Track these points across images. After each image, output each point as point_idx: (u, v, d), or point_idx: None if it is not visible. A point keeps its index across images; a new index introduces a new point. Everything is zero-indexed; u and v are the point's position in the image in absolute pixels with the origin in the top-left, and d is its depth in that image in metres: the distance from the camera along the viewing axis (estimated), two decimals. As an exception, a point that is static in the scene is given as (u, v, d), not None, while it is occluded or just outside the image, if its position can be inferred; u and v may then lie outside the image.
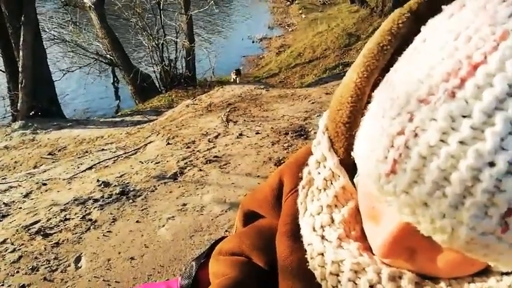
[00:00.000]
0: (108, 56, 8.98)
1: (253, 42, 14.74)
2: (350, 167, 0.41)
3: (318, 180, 0.45)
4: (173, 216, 2.29)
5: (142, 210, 2.41)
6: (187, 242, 2.10)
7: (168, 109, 7.39)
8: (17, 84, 6.05)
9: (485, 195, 0.24)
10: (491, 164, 0.24)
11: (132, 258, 2.03)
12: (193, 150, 3.11)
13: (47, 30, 9.12)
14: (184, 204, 2.39)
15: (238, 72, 9.82)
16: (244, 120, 3.71)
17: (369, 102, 0.35)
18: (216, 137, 3.36)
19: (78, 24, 9.53)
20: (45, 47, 6.88)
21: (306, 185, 0.46)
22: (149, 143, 3.71)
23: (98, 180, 2.82)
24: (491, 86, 0.24)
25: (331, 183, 0.43)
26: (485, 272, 0.33)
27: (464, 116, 0.25)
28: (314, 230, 0.42)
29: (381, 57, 0.37)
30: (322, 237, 0.41)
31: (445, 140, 0.25)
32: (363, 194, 0.36)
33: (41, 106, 6.18)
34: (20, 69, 5.96)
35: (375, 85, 0.37)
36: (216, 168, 2.75)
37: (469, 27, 0.27)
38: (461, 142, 0.25)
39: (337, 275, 0.38)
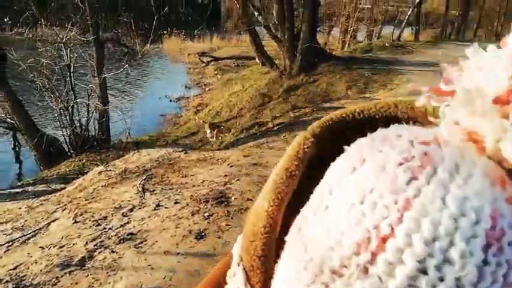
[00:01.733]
0: (9, 120, 8.19)
1: (170, 101, 14.80)
2: None
3: None
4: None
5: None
6: None
7: (77, 175, 6.83)
8: None
9: None
10: None
11: None
12: (105, 228, 2.85)
13: None
14: (93, 297, 2.11)
15: (214, 126, 8.50)
16: (162, 188, 3.57)
17: (281, 231, 0.35)
18: (131, 210, 3.15)
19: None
20: None
21: None
22: (53, 221, 3.32)
23: (-16, 275, 2.39)
24: (402, 263, 0.25)
25: None
26: None
27: None
28: None
29: (290, 182, 0.37)
30: None
31: None
32: None
33: None
34: None
35: (286, 211, 0.37)
36: (130, 248, 2.53)
37: (373, 191, 0.27)
38: None
39: None
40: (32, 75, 8.34)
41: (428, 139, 0.30)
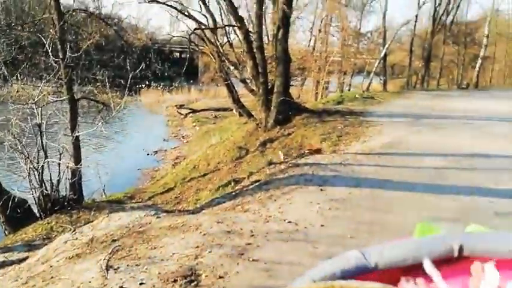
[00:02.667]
0: (-28, 182, 7.83)
1: (148, 155, 14.67)
2: None
3: None
4: None
5: None
6: None
7: (44, 240, 6.46)
8: None
9: None
10: None
11: None
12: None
13: None
14: None
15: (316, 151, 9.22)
16: (128, 265, 3.36)
17: None
18: (92, 293, 2.93)
19: None
20: None
21: None
22: (7, 306, 3.04)
23: None
24: None
25: None
26: None
27: None
28: None
29: None
30: None
31: None
32: None
33: None
34: None
35: None
36: None
37: None
38: None
39: None
40: (1, 134, 8.13)
41: None
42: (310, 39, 18.86)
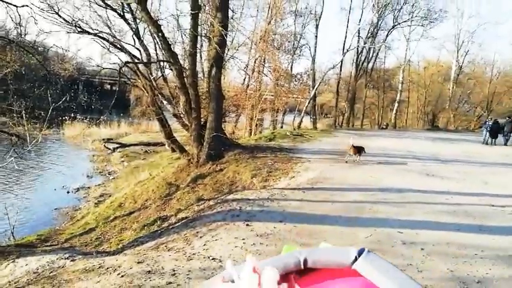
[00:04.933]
0: None
1: (68, 192, 13.57)
2: None
3: None
4: None
5: None
6: None
7: None
8: None
9: None
10: None
11: None
12: None
13: None
14: None
15: (359, 149, 10.31)
16: (31, 315, 3.01)
17: None
18: None
19: None
20: None
21: None
22: None
23: None
24: None
25: None
26: None
27: None
28: None
29: None
30: None
31: None
32: None
33: None
34: None
35: None
36: None
37: None
38: None
39: None
40: None
41: None
42: (245, 77, 19.56)
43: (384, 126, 27.90)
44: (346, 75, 27.00)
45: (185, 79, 11.32)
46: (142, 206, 9.83)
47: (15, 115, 9.40)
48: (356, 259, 0.63)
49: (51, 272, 4.35)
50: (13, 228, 9.04)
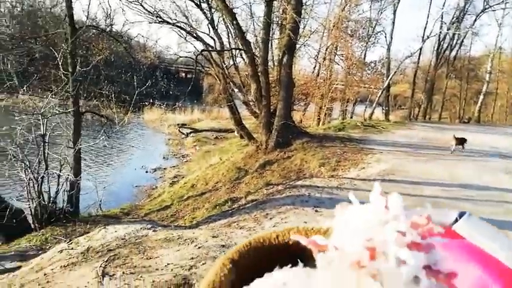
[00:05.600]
0: (-29, 189, 7.85)
1: (146, 172, 14.67)
2: None
3: None
4: None
5: None
6: None
7: (38, 251, 6.41)
8: None
9: None
10: None
11: None
12: (54, 320, 2.63)
13: None
14: None
15: (462, 141, 10.31)
16: (123, 272, 3.39)
17: None
18: (86, 298, 2.95)
19: None
20: None
21: None
22: (-1, 309, 3.04)
23: None
24: None
25: None
26: None
27: None
28: None
29: None
30: None
31: None
32: None
33: None
34: None
35: None
36: None
37: None
38: None
39: None
40: (3, 143, 8.20)
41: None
42: (315, 66, 19.26)
43: (466, 120, 25.56)
44: (425, 64, 25.21)
45: (257, 67, 11.53)
46: (213, 187, 10.31)
47: (104, 99, 10.43)
48: (457, 220, 0.61)
49: (137, 239, 4.81)
50: (100, 201, 10.02)
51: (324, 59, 18.31)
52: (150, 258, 3.80)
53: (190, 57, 14.97)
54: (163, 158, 16.66)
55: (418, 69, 23.98)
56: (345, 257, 0.34)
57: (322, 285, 0.36)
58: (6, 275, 5.10)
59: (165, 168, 15.24)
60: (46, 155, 8.17)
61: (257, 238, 0.47)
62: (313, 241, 0.37)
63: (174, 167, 15.71)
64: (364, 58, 21.26)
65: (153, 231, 5.16)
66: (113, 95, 9.26)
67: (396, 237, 0.34)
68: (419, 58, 23.34)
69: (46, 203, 8.02)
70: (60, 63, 8.34)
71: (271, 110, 11.85)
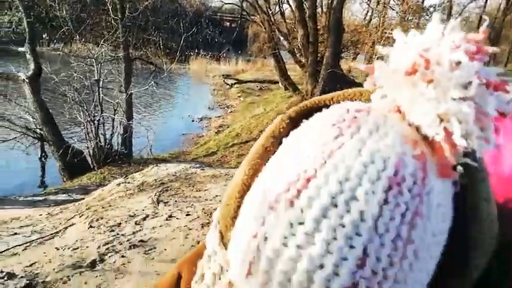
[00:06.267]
0: (38, 130, 8.56)
1: (193, 121, 15.05)
2: None
3: (207, 275, 0.46)
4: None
5: (49, 306, 2.13)
6: None
7: (98, 187, 7.01)
8: None
9: None
10: (321, 266, 0.29)
11: None
12: (117, 234, 2.93)
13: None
14: (100, 298, 2.17)
15: None
16: (176, 200, 3.64)
17: None
18: (144, 219, 3.23)
19: (8, 96, 9.11)
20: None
21: (199, 279, 0.47)
22: (70, 225, 3.43)
23: (1, 272, 2.49)
24: (319, 197, 0.30)
25: (219, 279, 0.44)
26: None
27: (300, 223, 0.30)
28: None
29: (264, 156, 0.42)
30: None
31: (286, 244, 0.30)
32: None
33: None
34: None
35: None
36: (140, 253, 2.59)
37: (308, 145, 0.34)
38: (298, 246, 0.29)
39: None
40: (63, 88, 8.73)
41: (362, 108, 0.36)
42: (367, 11, 18.07)
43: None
44: (493, 10, 22.75)
45: (304, 11, 11.04)
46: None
47: (152, 46, 10.62)
48: None
49: (186, 175, 5.08)
50: (151, 145, 10.53)
51: (378, 3, 17.07)
52: (200, 190, 4.02)
53: (235, 4, 14.60)
54: (209, 108, 16.94)
55: (484, 14, 21.72)
56: (401, 66, 0.34)
57: (379, 94, 0.36)
58: (73, 204, 5.68)
59: (210, 118, 15.55)
60: (101, 99, 8.63)
61: (313, 100, 0.48)
62: (370, 67, 0.37)
63: (219, 117, 15.97)
64: (423, 2, 19.52)
65: (201, 169, 5.42)
66: (160, 42, 9.39)
67: (451, 46, 0.33)
68: (486, 1, 21.07)
69: (102, 144, 8.58)
70: (110, 9, 8.52)
71: (318, 59, 11.47)
